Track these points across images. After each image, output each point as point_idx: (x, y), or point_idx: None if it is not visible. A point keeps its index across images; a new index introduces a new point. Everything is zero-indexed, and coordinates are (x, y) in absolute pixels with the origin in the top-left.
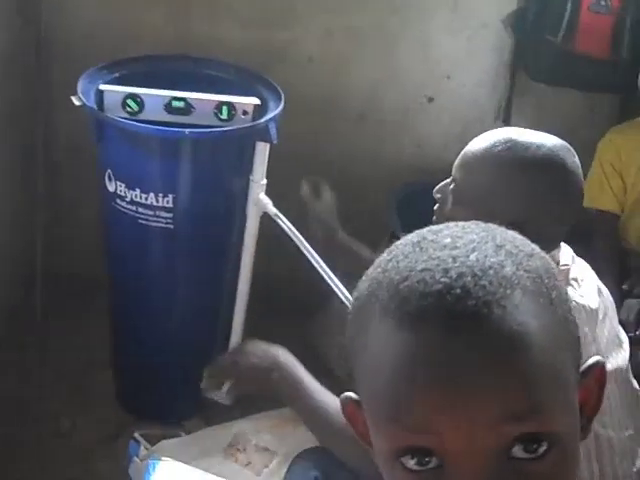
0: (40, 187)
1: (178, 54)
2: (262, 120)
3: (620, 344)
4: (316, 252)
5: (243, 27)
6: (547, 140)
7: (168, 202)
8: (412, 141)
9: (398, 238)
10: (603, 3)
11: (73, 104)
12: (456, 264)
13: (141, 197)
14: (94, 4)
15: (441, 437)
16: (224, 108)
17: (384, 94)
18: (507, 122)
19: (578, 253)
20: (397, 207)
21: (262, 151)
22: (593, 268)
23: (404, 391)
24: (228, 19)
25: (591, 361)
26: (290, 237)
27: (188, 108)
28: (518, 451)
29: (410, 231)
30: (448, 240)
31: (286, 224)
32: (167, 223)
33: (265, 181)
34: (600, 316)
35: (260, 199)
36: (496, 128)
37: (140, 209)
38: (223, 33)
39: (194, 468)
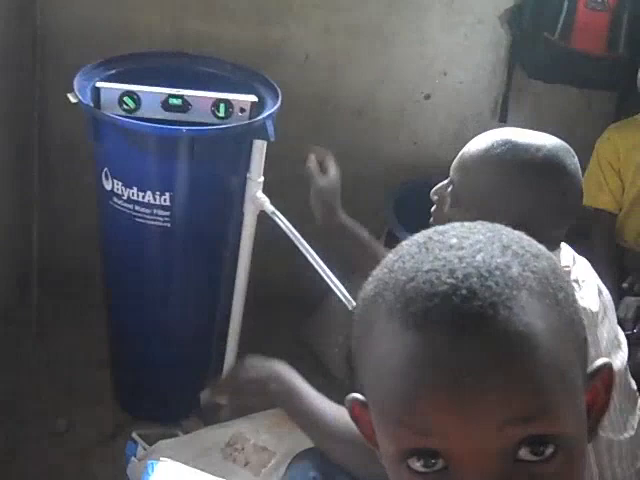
0: (36, 186)
1: (175, 51)
2: (259, 118)
3: (619, 345)
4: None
5: (240, 25)
6: (546, 141)
7: (165, 200)
8: (409, 138)
9: (395, 235)
10: (599, 0)
11: (69, 103)
12: (462, 265)
13: (138, 195)
14: (90, 1)
15: (447, 439)
16: (221, 106)
17: (381, 91)
18: (504, 119)
19: (575, 251)
20: (394, 204)
21: (259, 149)
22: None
23: (410, 392)
24: (225, 17)
25: (599, 363)
26: (288, 235)
27: (185, 105)
28: (525, 453)
29: (407, 228)
30: (454, 241)
31: (283, 222)
32: (164, 221)
33: (262, 179)
34: (600, 318)
35: (257, 197)
36: (493, 125)
37: (137, 207)
38: (220, 31)
39: (193, 469)
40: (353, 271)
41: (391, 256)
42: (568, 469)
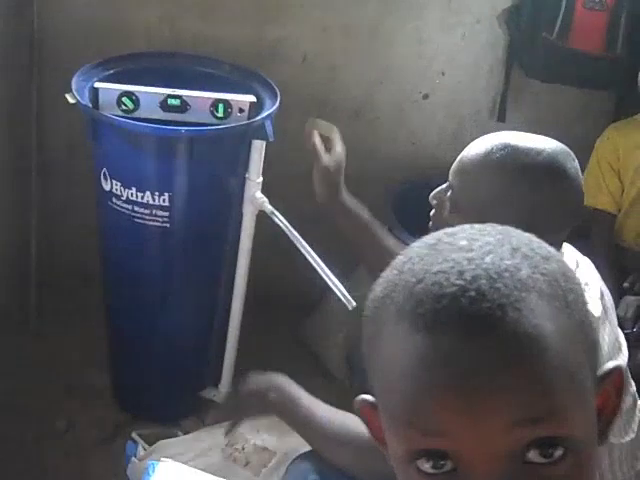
0: (34, 186)
1: (173, 52)
2: (258, 118)
3: (620, 347)
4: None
5: (238, 25)
6: (546, 145)
7: (164, 201)
8: (407, 138)
9: (394, 234)
10: (597, 0)
11: (67, 103)
12: (471, 266)
13: (137, 196)
14: (88, 2)
15: (456, 439)
16: (220, 106)
17: (379, 91)
18: (502, 119)
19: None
20: (393, 204)
21: (258, 149)
22: None
23: (419, 393)
24: (223, 17)
25: (610, 365)
26: (287, 235)
27: (184, 106)
28: (534, 455)
29: (406, 228)
30: (464, 242)
31: (282, 222)
32: (163, 222)
33: (261, 179)
34: (601, 322)
35: (256, 197)
36: (491, 124)
37: (136, 208)
38: (218, 31)
39: (193, 469)
40: (353, 253)
41: (401, 257)
42: (577, 472)
